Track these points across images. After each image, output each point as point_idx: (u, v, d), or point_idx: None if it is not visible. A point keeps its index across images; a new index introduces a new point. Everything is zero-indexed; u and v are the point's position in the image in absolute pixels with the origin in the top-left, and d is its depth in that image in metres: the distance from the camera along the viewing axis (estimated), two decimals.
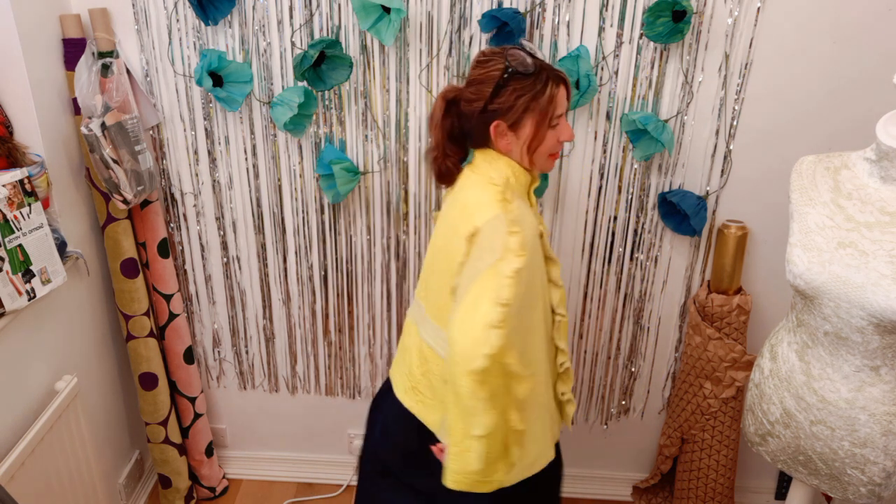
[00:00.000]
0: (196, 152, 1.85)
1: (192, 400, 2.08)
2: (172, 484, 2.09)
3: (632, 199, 1.81)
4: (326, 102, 1.76)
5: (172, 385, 2.05)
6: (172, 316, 1.97)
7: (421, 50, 1.68)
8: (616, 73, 1.67)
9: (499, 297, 1.10)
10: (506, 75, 1.20)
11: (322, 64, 1.67)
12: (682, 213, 1.75)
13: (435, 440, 1.34)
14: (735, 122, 1.70)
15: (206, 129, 1.81)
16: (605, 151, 1.76)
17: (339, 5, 1.65)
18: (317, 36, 1.68)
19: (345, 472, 2.26)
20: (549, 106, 1.22)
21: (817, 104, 1.66)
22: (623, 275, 1.91)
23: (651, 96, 1.68)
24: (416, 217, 1.87)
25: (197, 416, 2.10)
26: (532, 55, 1.23)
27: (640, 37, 1.62)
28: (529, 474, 1.32)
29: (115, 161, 1.64)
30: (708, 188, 1.78)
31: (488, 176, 1.25)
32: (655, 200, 1.80)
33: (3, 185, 1.43)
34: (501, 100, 1.21)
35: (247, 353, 2.12)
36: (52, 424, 1.58)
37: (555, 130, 1.26)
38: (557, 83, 1.23)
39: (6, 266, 1.44)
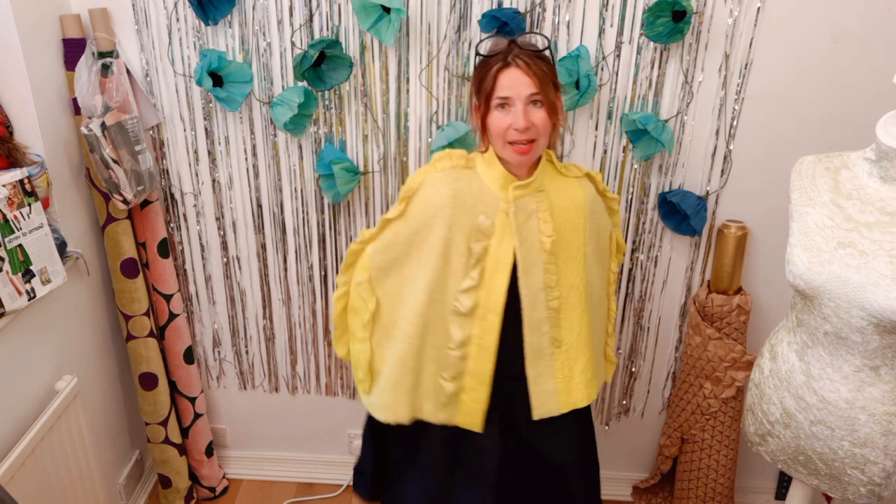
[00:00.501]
0: (196, 152, 1.85)
1: (192, 400, 2.08)
2: (172, 484, 2.09)
3: (632, 199, 1.81)
4: (326, 102, 1.76)
5: (172, 385, 2.05)
6: (172, 316, 1.97)
7: (421, 50, 1.68)
8: (616, 73, 1.67)
9: (368, 229, 1.43)
10: (478, 58, 1.31)
11: (322, 64, 1.67)
12: (682, 213, 1.75)
13: None
14: (735, 122, 1.70)
15: (206, 129, 1.81)
16: (605, 151, 1.76)
17: (339, 5, 1.65)
18: (317, 36, 1.68)
19: (345, 472, 2.26)
20: (490, 84, 1.24)
21: (817, 104, 1.66)
22: (623, 275, 1.91)
23: (651, 96, 1.68)
24: None
25: (197, 416, 2.10)
26: (513, 41, 1.26)
27: (640, 37, 1.62)
28: (369, 411, 1.47)
29: (115, 161, 1.64)
30: (708, 188, 1.78)
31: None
32: (655, 200, 1.80)
33: (3, 185, 1.43)
34: (473, 80, 1.32)
35: (247, 353, 2.12)
36: (52, 424, 1.58)
37: (504, 114, 1.24)
38: (508, 65, 1.22)
39: (6, 266, 1.44)
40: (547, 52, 1.28)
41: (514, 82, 1.22)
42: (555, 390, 1.39)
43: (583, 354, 1.41)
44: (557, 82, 1.31)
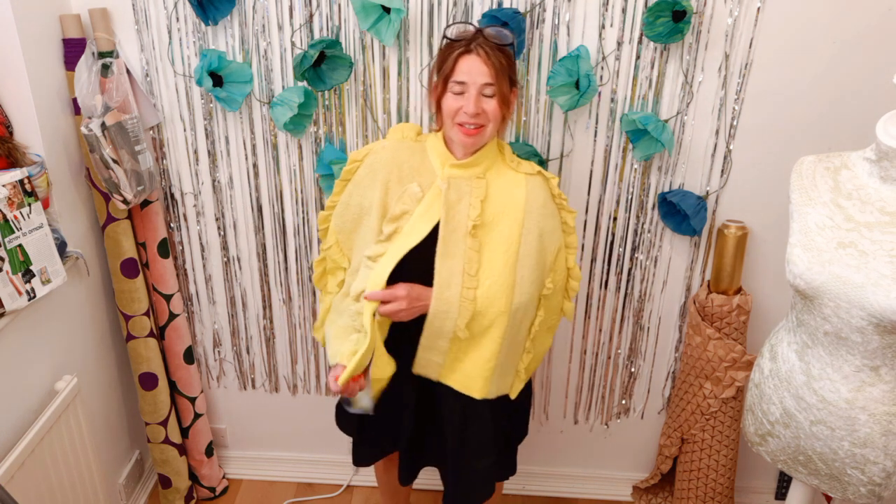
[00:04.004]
0: (196, 152, 1.85)
1: (192, 400, 2.08)
2: (172, 484, 2.09)
3: (632, 199, 1.81)
4: (326, 102, 1.76)
5: (172, 385, 2.05)
6: (172, 316, 1.97)
7: (421, 50, 1.67)
8: (616, 73, 1.67)
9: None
10: (444, 40, 1.35)
11: (322, 64, 1.67)
12: (682, 213, 1.75)
13: None
14: (735, 122, 1.70)
15: (206, 129, 1.81)
16: (605, 151, 1.76)
17: (339, 5, 1.65)
18: (317, 36, 1.68)
19: (345, 472, 2.26)
20: (450, 67, 1.30)
21: (817, 104, 1.66)
22: (623, 275, 1.91)
23: (651, 96, 1.68)
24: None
25: (197, 416, 2.10)
26: (480, 31, 1.31)
27: (640, 37, 1.62)
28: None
29: (115, 161, 1.64)
30: (708, 188, 1.78)
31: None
32: (655, 200, 1.80)
33: (3, 185, 1.43)
34: (435, 61, 1.39)
35: (247, 353, 2.12)
36: (52, 424, 1.58)
37: (458, 97, 1.30)
38: (469, 51, 1.28)
39: (6, 266, 1.44)
40: (510, 48, 1.33)
41: (472, 69, 1.28)
42: (439, 364, 1.42)
43: (487, 349, 1.39)
44: (515, 78, 1.37)
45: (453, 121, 1.32)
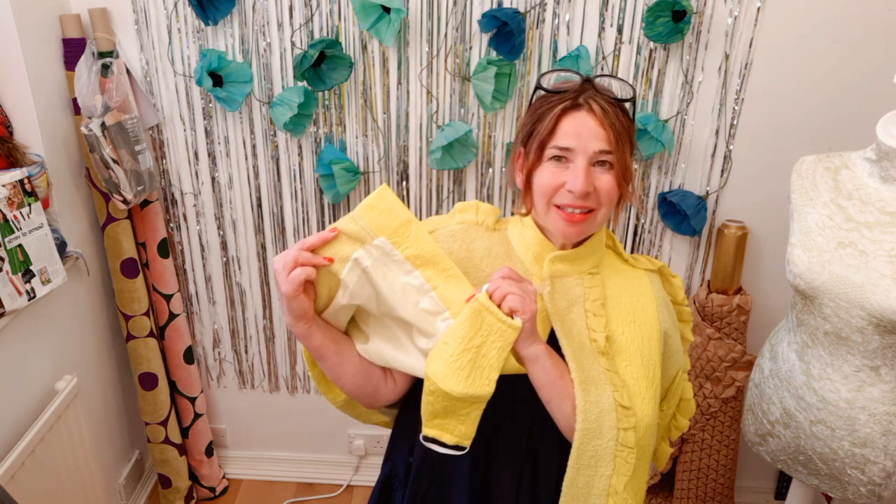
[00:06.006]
0: (196, 152, 1.85)
1: (192, 400, 2.08)
2: (172, 484, 2.09)
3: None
4: (326, 102, 1.76)
5: (172, 385, 2.05)
6: (172, 316, 1.97)
7: (421, 50, 1.67)
8: (616, 73, 1.67)
9: None
10: (537, 91, 1.02)
11: (322, 64, 1.67)
12: (682, 213, 1.75)
13: None
14: (735, 122, 1.70)
15: (206, 129, 1.81)
16: None
17: (339, 5, 1.65)
18: (317, 36, 1.68)
19: (345, 472, 2.26)
20: (549, 127, 0.95)
21: (817, 104, 1.66)
22: None
23: (651, 96, 1.68)
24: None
25: (197, 416, 2.10)
26: (588, 80, 0.98)
27: (640, 37, 1.62)
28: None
29: (115, 161, 1.64)
30: (708, 188, 1.78)
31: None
32: (655, 200, 1.80)
33: (3, 185, 1.43)
34: (523, 121, 1.03)
35: (247, 353, 2.12)
36: (52, 424, 1.58)
37: (559, 169, 0.95)
38: (578, 106, 0.94)
39: (6, 266, 1.44)
40: (629, 105, 0.99)
41: (582, 130, 0.93)
42: None
43: None
44: (635, 142, 1.00)
45: (550, 202, 0.96)
